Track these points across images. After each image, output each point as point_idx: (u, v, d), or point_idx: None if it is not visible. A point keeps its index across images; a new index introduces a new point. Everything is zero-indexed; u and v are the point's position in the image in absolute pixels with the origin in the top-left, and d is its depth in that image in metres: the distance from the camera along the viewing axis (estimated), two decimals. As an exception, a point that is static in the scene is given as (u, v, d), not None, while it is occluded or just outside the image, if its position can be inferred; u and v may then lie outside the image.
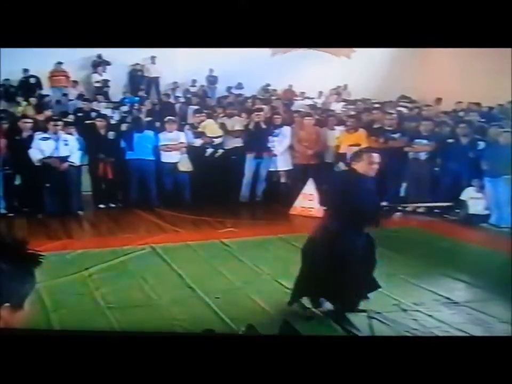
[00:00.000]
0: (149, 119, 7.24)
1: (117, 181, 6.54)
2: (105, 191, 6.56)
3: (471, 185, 5.92)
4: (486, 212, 5.84)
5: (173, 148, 6.59)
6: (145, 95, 8.89)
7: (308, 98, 8.86)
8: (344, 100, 8.68)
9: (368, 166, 3.49)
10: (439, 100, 8.15)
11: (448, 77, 8.22)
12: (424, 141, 6.13)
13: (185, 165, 6.63)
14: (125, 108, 7.90)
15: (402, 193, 6.41)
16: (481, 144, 5.94)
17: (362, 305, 3.84)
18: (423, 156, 6.13)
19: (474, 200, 5.89)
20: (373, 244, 3.71)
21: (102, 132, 6.52)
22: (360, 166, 3.50)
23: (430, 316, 3.79)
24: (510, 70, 5.43)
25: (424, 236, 5.64)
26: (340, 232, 3.48)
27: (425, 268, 4.61)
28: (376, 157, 3.51)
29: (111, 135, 6.53)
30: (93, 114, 7.17)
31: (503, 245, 4.28)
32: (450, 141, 6.09)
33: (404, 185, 6.34)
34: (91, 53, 8.95)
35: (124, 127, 6.74)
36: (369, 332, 3.61)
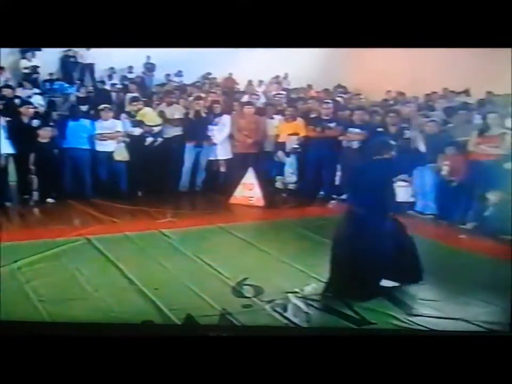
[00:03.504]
0: (83, 106, 6.97)
1: (49, 171, 6.24)
2: (34, 181, 6.24)
3: (398, 173, 6.11)
4: (412, 199, 6.07)
5: (109, 136, 6.42)
6: (79, 82, 8.53)
7: (249, 86, 8.86)
8: (284, 89, 8.75)
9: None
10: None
11: (383, 67, 8.48)
12: (357, 130, 6.30)
13: (121, 154, 6.46)
14: (56, 95, 7.55)
15: (337, 182, 6.53)
16: (408, 133, 6.11)
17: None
18: (355, 145, 6.29)
19: (401, 187, 6.09)
20: (403, 228, 4.00)
21: (30, 120, 6.21)
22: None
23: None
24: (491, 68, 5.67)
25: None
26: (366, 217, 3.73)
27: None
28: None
29: (39, 123, 6.21)
30: (19, 101, 6.78)
31: (427, 232, 4.50)
32: (380, 129, 6.26)
33: (339, 174, 6.47)
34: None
35: (55, 115, 6.48)
36: (305, 319, 3.70)
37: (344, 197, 6.39)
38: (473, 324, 3.60)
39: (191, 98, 7.38)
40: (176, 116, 6.85)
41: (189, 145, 6.68)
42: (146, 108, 6.89)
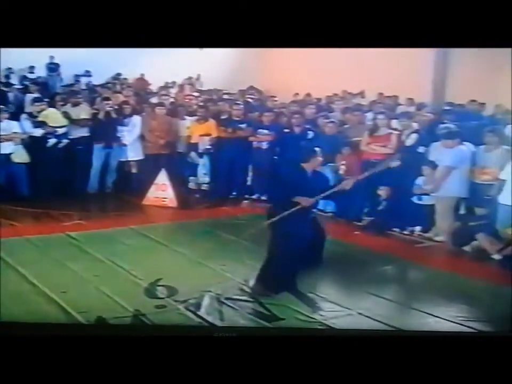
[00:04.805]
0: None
1: None
2: None
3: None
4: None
5: (5, 138, 6.01)
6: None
7: (161, 87, 8.75)
8: (197, 90, 8.75)
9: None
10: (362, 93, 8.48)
11: (292, 70, 8.77)
12: (265, 131, 6.45)
13: (20, 156, 6.12)
14: None
15: (249, 182, 6.62)
16: (311, 134, 6.34)
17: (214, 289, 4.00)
18: (264, 145, 6.43)
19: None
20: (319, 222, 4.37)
21: None
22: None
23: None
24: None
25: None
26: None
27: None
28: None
29: None
30: None
31: (328, 229, 4.68)
32: (286, 130, 6.45)
33: (250, 174, 6.56)
34: None
35: None
36: (218, 317, 3.70)
37: (255, 196, 6.57)
38: (370, 318, 3.75)
39: (99, 99, 7.15)
40: (82, 117, 6.63)
41: (98, 146, 6.48)
42: (50, 108, 6.60)
